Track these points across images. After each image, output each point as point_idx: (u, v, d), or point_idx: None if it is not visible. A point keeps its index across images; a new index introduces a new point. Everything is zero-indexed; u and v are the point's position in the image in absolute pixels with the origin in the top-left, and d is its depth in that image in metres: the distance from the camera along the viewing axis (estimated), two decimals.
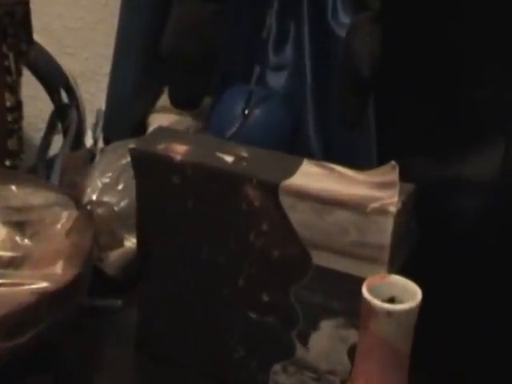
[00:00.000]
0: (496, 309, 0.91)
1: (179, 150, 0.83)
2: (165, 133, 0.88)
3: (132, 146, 0.84)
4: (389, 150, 1.10)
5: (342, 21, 1.08)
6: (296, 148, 1.13)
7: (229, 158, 0.82)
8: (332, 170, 0.83)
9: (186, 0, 1.06)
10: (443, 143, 1.03)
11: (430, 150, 1.05)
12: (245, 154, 0.83)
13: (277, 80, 1.14)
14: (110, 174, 0.95)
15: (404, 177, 0.84)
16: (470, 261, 0.94)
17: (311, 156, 1.13)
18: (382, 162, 1.09)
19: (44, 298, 0.77)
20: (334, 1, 1.09)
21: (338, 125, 1.10)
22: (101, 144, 1.11)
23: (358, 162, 1.09)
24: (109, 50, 1.18)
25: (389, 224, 0.76)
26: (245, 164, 0.82)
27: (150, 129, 1.15)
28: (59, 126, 1.06)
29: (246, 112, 1.08)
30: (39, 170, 1.04)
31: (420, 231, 0.86)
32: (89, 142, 1.17)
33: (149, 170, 0.83)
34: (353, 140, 1.10)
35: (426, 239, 0.88)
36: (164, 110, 1.17)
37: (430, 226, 0.89)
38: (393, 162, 0.82)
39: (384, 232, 0.77)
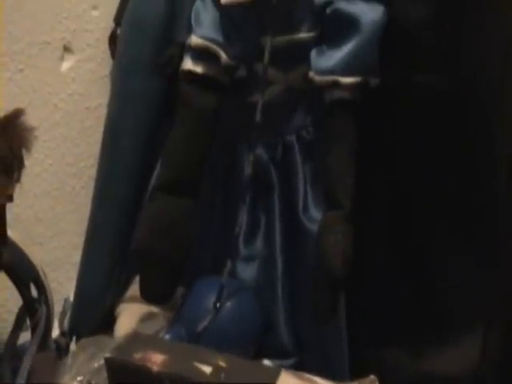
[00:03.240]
0: None
1: (156, 360, 0.81)
2: (140, 340, 0.87)
3: (108, 355, 0.82)
4: (360, 343, 1.10)
5: (313, 216, 1.10)
6: (267, 340, 1.13)
7: (207, 369, 0.81)
8: (310, 381, 0.82)
9: (160, 196, 1.08)
10: (416, 336, 1.04)
11: (402, 344, 1.06)
12: (223, 364, 0.82)
13: (247, 271, 1.15)
14: (80, 378, 0.93)
15: (375, 372, 0.84)
16: None
17: (282, 348, 1.13)
18: (353, 355, 1.10)
19: None
20: (305, 196, 1.12)
21: (309, 318, 1.10)
22: (72, 342, 1.09)
23: (329, 355, 1.10)
24: (78, 239, 1.18)
25: None
26: (223, 375, 0.81)
27: (119, 320, 1.14)
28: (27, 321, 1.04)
29: (218, 305, 1.08)
30: (4, 368, 1.01)
31: None
32: (55, 332, 1.15)
33: (125, 380, 0.82)
34: (324, 333, 1.10)
35: None
36: (133, 300, 1.16)
37: None
38: (372, 376, 0.82)
39: None
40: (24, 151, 0.92)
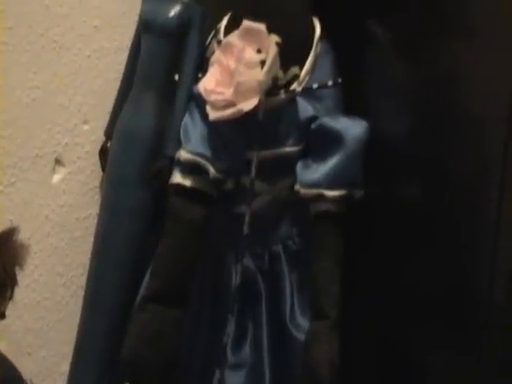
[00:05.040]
0: None
1: None
2: None
3: None
4: None
5: (300, 324, 1.12)
6: None
7: None
8: None
9: (149, 306, 1.09)
10: None
11: None
12: None
13: (235, 379, 1.15)
14: None
15: None
16: None
17: None
18: None
19: None
20: (292, 305, 1.13)
21: None
22: None
23: None
24: (67, 349, 1.19)
25: None
26: None
27: None
28: None
29: None
30: None
31: None
32: None
33: None
34: None
35: None
36: None
37: None
38: None
39: None
40: (17, 269, 0.94)
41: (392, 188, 1.07)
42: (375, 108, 1.10)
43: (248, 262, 1.12)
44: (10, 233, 0.93)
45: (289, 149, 1.09)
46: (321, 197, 1.07)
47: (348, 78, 1.11)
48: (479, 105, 0.94)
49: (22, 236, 0.97)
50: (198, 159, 1.08)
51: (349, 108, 1.11)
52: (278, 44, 1.04)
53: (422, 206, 1.02)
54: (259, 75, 1.03)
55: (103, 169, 1.19)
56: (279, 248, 1.13)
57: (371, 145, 1.07)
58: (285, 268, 1.13)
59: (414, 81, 1.04)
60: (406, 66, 1.06)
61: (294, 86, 1.07)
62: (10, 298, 0.95)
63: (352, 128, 1.06)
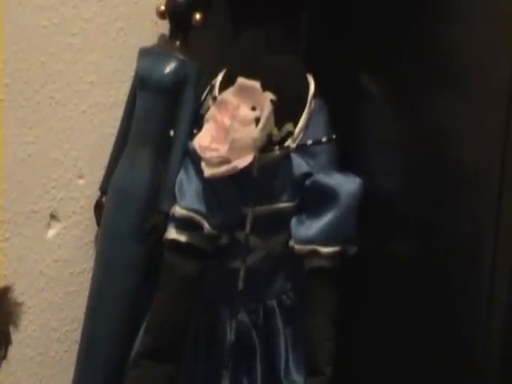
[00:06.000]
0: None
1: None
2: None
3: None
4: None
5: (295, 380, 1.12)
6: None
7: None
8: None
9: (143, 362, 1.08)
10: None
11: None
12: None
13: None
14: None
15: None
16: None
17: None
18: None
19: None
20: (287, 360, 1.13)
21: None
22: None
23: None
24: None
25: None
26: None
27: None
28: None
29: None
30: None
31: None
32: None
33: None
34: None
35: None
36: None
37: None
38: None
39: None
40: (11, 327, 0.93)
41: (386, 243, 1.08)
42: (369, 163, 1.11)
43: (243, 317, 1.12)
44: (5, 291, 0.93)
45: (283, 205, 1.09)
46: (315, 253, 1.07)
47: (342, 134, 1.12)
48: (473, 161, 0.95)
49: (17, 291, 0.97)
50: (193, 215, 1.08)
51: (343, 163, 1.12)
52: (272, 101, 1.05)
53: (415, 261, 1.02)
54: (254, 132, 1.04)
55: (98, 224, 1.19)
56: (274, 303, 1.13)
57: (365, 200, 1.08)
58: (279, 323, 1.13)
59: (408, 136, 1.05)
60: (400, 122, 1.07)
61: (289, 142, 1.08)
62: (4, 357, 0.94)
63: (346, 184, 1.07)
